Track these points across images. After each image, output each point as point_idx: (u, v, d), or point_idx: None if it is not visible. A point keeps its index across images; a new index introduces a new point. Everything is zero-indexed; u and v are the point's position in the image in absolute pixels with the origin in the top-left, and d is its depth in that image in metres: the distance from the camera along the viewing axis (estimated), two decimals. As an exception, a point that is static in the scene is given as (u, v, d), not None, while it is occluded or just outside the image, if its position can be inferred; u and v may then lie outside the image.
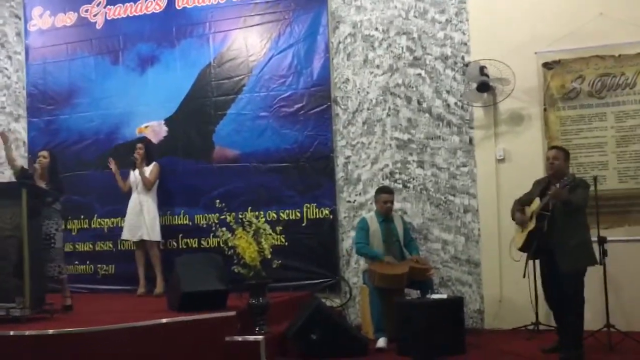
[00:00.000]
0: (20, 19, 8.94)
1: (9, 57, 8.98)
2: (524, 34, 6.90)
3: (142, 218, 7.51)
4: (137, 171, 7.68)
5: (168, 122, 8.21)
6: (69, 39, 8.69)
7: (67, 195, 7.21)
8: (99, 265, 8.37)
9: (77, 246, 8.37)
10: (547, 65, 6.81)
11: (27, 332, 5.59)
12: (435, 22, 7.25)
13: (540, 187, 5.55)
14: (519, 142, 6.91)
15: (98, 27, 8.56)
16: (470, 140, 7.09)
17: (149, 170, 7.70)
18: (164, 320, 5.75)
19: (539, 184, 5.62)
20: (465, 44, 7.13)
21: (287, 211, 7.62)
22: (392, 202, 6.72)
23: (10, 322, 5.88)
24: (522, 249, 5.68)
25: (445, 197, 7.14)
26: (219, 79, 8.00)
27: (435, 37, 7.25)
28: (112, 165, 7.86)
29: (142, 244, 7.64)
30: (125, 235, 7.72)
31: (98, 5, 8.54)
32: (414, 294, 6.49)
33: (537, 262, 5.96)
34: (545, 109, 6.83)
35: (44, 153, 6.93)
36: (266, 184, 7.72)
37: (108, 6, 8.51)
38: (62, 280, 6.72)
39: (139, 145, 7.80)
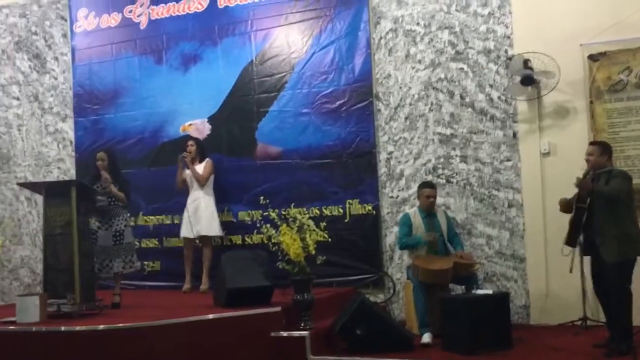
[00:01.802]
0: (66, 20, 9.10)
1: (56, 59, 9.16)
2: (568, 25, 6.80)
3: (198, 215, 7.58)
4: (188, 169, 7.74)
5: (211, 120, 8.29)
6: (113, 39, 8.83)
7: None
8: (145, 262, 8.47)
9: (124, 243, 8.48)
10: (592, 57, 6.70)
11: (77, 328, 5.71)
12: (478, 16, 7.19)
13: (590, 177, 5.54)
14: (564, 135, 6.82)
15: (142, 27, 8.68)
16: (514, 134, 7.01)
17: (202, 166, 7.75)
18: (211, 316, 5.83)
19: (588, 177, 5.60)
20: (509, 37, 7.05)
21: (330, 207, 7.64)
22: (434, 197, 6.69)
23: (61, 318, 6.03)
24: (567, 243, 5.63)
25: (489, 192, 7.08)
26: (261, 76, 8.05)
27: (477, 30, 7.18)
28: (182, 163, 7.75)
29: (191, 240, 7.71)
30: (183, 233, 7.74)
31: (142, 5, 8.66)
32: (458, 289, 6.46)
33: (585, 257, 5.92)
34: (591, 102, 6.72)
35: (102, 155, 6.98)
36: (309, 181, 7.75)
37: (151, 6, 8.62)
38: (118, 276, 6.84)
39: (190, 142, 7.87)
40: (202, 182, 7.68)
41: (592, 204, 5.37)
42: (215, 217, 7.72)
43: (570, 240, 5.60)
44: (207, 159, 7.84)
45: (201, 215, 7.61)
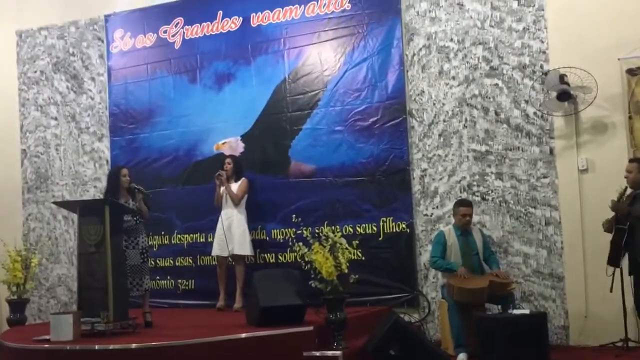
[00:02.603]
0: (102, 41, 9.24)
1: (93, 79, 9.29)
2: (605, 39, 6.69)
3: (231, 233, 7.58)
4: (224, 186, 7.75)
5: (244, 138, 8.31)
6: (148, 59, 8.93)
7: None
8: (179, 281, 8.52)
9: (158, 262, 8.52)
10: (631, 72, 6.58)
11: (111, 347, 5.71)
12: (512, 31, 7.11)
13: (628, 200, 5.42)
14: (603, 151, 6.68)
15: (176, 47, 8.77)
16: (551, 151, 6.89)
17: (237, 185, 7.76)
18: (243, 335, 5.80)
19: (627, 197, 5.49)
20: (544, 52, 6.95)
21: (364, 225, 7.57)
22: (470, 216, 6.61)
23: (94, 336, 6.05)
24: (610, 263, 5.52)
25: (525, 210, 6.96)
26: (294, 94, 8.05)
27: (512, 46, 7.10)
28: (219, 180, 7.72)
29: (225, 259, 7.70)
30: (215, 251, 7.75)
31: (176, 25, 8.75)
32: (494, 309, 6.34)
33: (625, 276, 5.79)
34: (630, 117, 6.58)
35: (126, 172, 7.02)
36: (342, 198, 7.70)
37: (186, 26, 8.70)
38: (146, 294, 6.88)
39: (228, 160, 7.89)
40: (236, 201, 7.69)
41: (633, 225, 5.25)
42: (247, 236, 7.71)
43: (612, 260, 5.50)
44: (243, 178, 7.84)
45: (234, 234, 7.61)
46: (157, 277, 8.47)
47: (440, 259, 6.49)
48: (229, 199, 7.71)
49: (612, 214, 5.65)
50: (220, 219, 7.69)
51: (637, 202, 5.32)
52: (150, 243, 8.12)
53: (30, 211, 9.55)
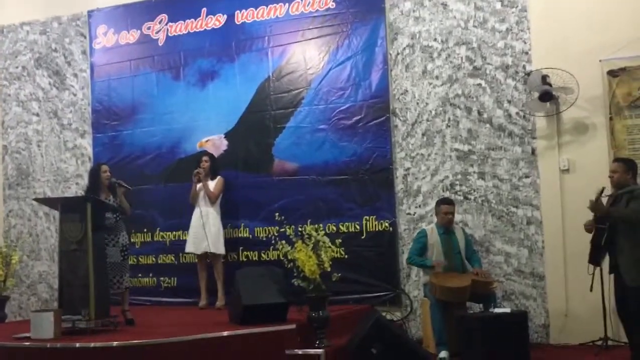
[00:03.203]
0: (85, 37, 9.18)
1: (75, 75, 9.23)
2: (587, 41, 6.74)
3: (206, 231, 7.57)
4: (201, 184, 7.75)
5: (228, 136, 8.30)
6: (132, 56, 8.88)
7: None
8: (161, 278, 8.49)
9: (140, 259, 8.50)
10: (612, 73, 6.63)
11: (92, 344, 5.68)
12: (496, 32, 7.14)
13: (610, 200, 5.47)
14: (584, 152, 6.74)
15: (160, 43, 8.73)
16: (533, 151, 6.94)
17: (214, 183, 7.75)
18: (225, 333, 5.79)
19: (609, 197, 5.53)
20: (527, 52, 6.99)
21: (347, 224, 7.59)
22: (453, 214, 6.64)
23: (75, 334, 6.02)
24: (590, 262, 5.58)
25: (507, 209, 7.00)
26: (278, 92, 8.05)
27: (495, 46, 7.14)
28: (197, 177, 7.70)
29: (204, 256, 7.69)
30: (189, 248, 7.76)
31: (160, 22, 8.71)
32: (476, 307, 6.38)
33: (605, 276, 5.84)
34: (611, 118, 6.64)
35: (107, 168, 6.98)
36: (325, 197, 7.71)
37: (170, 23, 8.66)
38: (126, 292, 6.84)
39: (205, 157, 7.87)
40: (212, 200, 7.68)
41: (613, 225, 5.30)
42: (221, 235, 7.71)
43: (593, 259, 5.55)
44: (219, 176, 7.83)
45: (209, 231, 7.59)
46: (139, 275, 8.43)
47: (416, 256, 6.53)
48: (206, 197, 7.70)
49: (593, 215, 5.70)
50: (199, 215, 7.64)
51: (618, 203, 5.37)
52: (132, 240, 8.15)
53: (11, 207, 9.47)
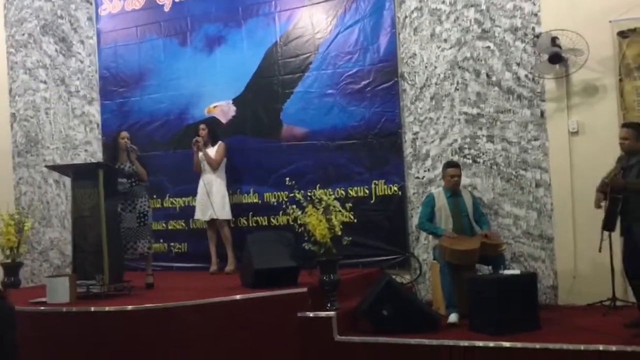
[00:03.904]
0: (91, 4, 9.15)
1: (82, 42, 9.21)
2: (597, 2, 6.67)
3: (212, 198, 7.61)
4: (201, 152, 7.76)
5: (236, 101, 8.30)
6: (138, 22, 8.86)
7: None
8: (172, 244, 8.57)
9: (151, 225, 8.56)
10: (622, 34, 6.56)
11: (106, 308, 5.80)
12: (504, -7, 7.09)
13: (621, 165, 5.47)
14: (593, 114, 6.71)
15: (166, 9, 8.70)
16: (542, 114, 6.92)
17: (214, 150, 7.77)
18: (238, 297, 5.89)
19: (619, 161, 5.53)
20: (536, 14, 6.93)
21: (356, 188, 7.62)
22: (459, 177, 6.65)
23: (90, 299, 6.11)
24: (605, 228, 5.61)
25: (516, 172, 7.01)
26: (286, 57, 8.02)
27: (504, 8, 7.08)
28: (196, 146, 7.77)
29: (213, 222, 7.76)
30: (197, 215, 7.85)
31: (166, -13, 8.68)
32: (485, 269, 6.43)
33: (614, 237, 5.88)
34: (620, 80, 6.59)
35: (125, 134, 7.08)
36: (334, 162, 7.73)
37: (176, -12, 8.62)
38: (148, 257, 6.92)
39: (202, 125, 7.90)
40: (214, 166, 7.72)
41: (627, 193, 5.33)
42: (227, 201, 7.76)
43: (608, 226, 5.57)
44: (220, 142, 7.85)
45: (214, 199, 7.64)
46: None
47: (426, 221, 6.55)
48: (207, 165, 7.73)
49: (599, 184, 5.70)
50: (201, 183, 7.72)
51: (629, 173, 5.37)
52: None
53: (21, 175, 9.54)
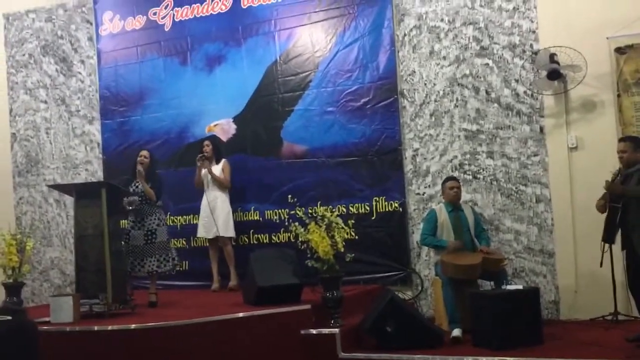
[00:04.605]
0: (91, 24, 9.20)
1: (82, 62, 9.26)
2: (594, 19, 6.77)
3: (215, 215, 7.63)
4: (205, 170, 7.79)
5: (236, 120, 8.34)
6: (138, 41, 8.91)
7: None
8: (173, 262, 8.55)
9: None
10: (619, 50, 6.66)
11: (110, 327, 5.77)
12: (502, 11, 7.17)
13: (620, 173, 5.54)
14: (592, 129, 6.78)
15: (166, 29, 8.76)
16: (541, 129, 6.98)
17: (220, 168, 7.79)
18: (241, 315, 5.87)
19: (619, 176, 5.59)
20: (534, 31, 7.02)
21: (357, 205, 7.65)
22: (458, 188, 6.69)
23: (93, 318, 6.10)
24: (604, 240, 5.65)
25: (516, 187, 7.06)
26: (286, 75, 8.08)
27: (502, 25, 7.16)
28: (200, 161, 7.75)
29: (215, 240, 7.76)
30: (200, 233, 7.83)
31: (166, 7, 8.73)
32: (486, 285, 6.45)
33: (614, 251, 5.91)
34: (618, 95, 6.68)
35: (145, 153, 7.11)
36: (335, 179, 7.77)
37: (176, 8, 8.68)
38: (153, 275, 6.91)
39: (206, 142, 7.91)
40: (226, 185, 7.75)
41: (626, 203, 5.37)
42: (230, 218, 7.76)
43: (607, 238, 5.61)
44: (224, 159, 7.87)
45: (218, 216, 7.65)
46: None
47: (429, 236, 6.58)
48: (211, 182, 7.74)
49: (602, 194, 5.75)
50: (204, 201, 7.73)
51: (629, 181, 5.43)
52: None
53: (21, 195, 9.54)
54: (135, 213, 6.77)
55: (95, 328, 5.79)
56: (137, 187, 6.89)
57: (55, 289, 9.14)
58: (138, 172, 6.89)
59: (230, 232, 7.73)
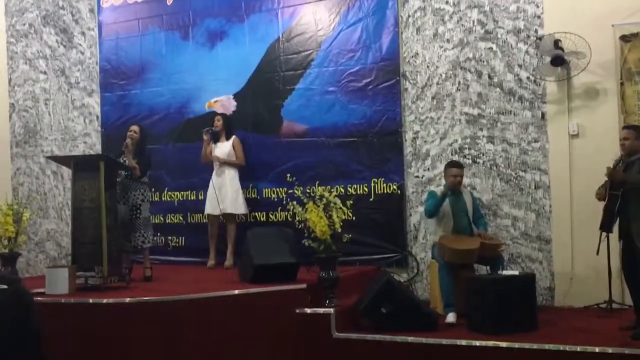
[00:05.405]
0: (93, -5, 9.14)
1: (83, 34, 9.19)
2: (600, 6, 6.70)
3: (224, 192, 7.60)
4: (219, 144, 7.76)
5: (237, 97, 8.30)
6: (140, 15, 8.85)
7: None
8: (169, 237, 8.57)
9: (148, 218, 8.56)
10: (624, 38, 6.60)
11: (104, 300, 5.79)
12: (508, -5, 7.12)
13: (622, 167, 5.52)
14: (594, 117, 6.74)
15: (168, 3, 8.69)
16: (543, 116, 6.95)
17: (229, 144, 7.75)
18: (236, 292, 5.88)
19: (620, 164, 5.56)
20: (539, 16, 6.96)
21: (355, 186, 7.63)
22: (461, 177, 6.64)
23: (88, 290, 6.11)
24: (602, 229, 5.63)
25: (515, 173, 7.04)
26: (288, 53, 8.03)
27: (507, 10, 7.10)
28: (206, 136, 7.76)
29: (216, 217, 7.73)
30: (207, 209, 7.74)
31: (169, -20, 8.67)
32: (483, 270, 6.45)
33: (611, 240, 5.90)
34: (622, 83, 6.62)
35: (135, 128, 7.14)
36: (334, 159, 7.74)
37: (178, -19, 8.61)
38: (144, 250, 6.93)
39: (217, 117, 7.89)
40: (242, 163, 7.75)
41: (626, 191, 5.35)
42: (240, 195, 7.72)
43: (605, 226, 5.60)
44: (234, 136, 7.83)
45: (227, 193, 7.62)
46: (148, 234, 8.49)
47: (432, 203, 6.46)
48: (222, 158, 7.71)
49: (603, 182, 5.73)
50: (214, 177, 7.70)
51: (630, 170, 5.40)
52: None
53: (18, 165, 9.52)
54: (120, 187, 6.75)
55: (90, 301, 5.81)
56: (124, 161, 6.85)
57: (51, 261, 9.16)
58: (125, 146, 6.87)
59: (240, 209, 7.69)
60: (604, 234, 5.87)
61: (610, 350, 4.86)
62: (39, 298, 5.90)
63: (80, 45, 9.20)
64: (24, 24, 9.52)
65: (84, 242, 6.30)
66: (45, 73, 9.38)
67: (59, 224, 9.19)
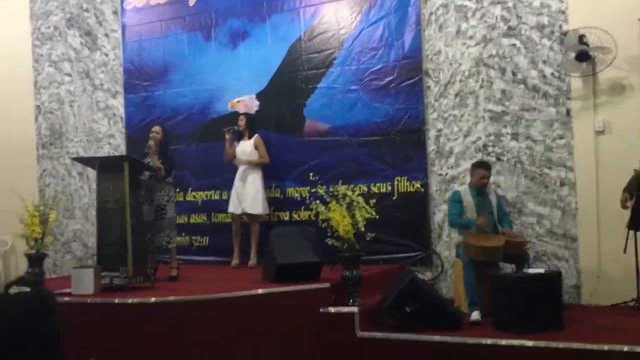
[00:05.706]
0: (116, -3, 9.21)
1: (107, 35, 9.27)
2: (625, 0, 6.61)
3: (245, 192, 7.62)
4: (241, 143, 7.77)
5: (259, 96, 8.32)
6: (163, 16, 8.90)
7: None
8: (193, 237, 8.60)
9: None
10: (651, 33, 6.53)
11: (130, 300, 5.82)
12: (532, -10, 7.04)
13: None
14: (620, 113, 6.65)
15: (191, 4, 8.73)
16: (568, 112, 6.87)
17: (251, 144, 7.74)
18: (260, 291, 5.89)
19: None
20: (563, 12, 6.88)
21: (378, 184, 7.61)
22: (488, 178, 6.57)
23: (113, 290, 6.15)
24: (630, 227, 5.56)
25: (540, 170, 6.97)
26: (310, 52, 8.02)
27: (531, 5, 7.03)
28: (228, 135, 7.80)
29: (239, 216, 7.75)
30: (230, 208, 7.75)
31: (191, -19, 8.70)
32: (508, 268, 6.39)
33: (639, 237, 5.83)
34: (649, 79, 6.55)
35: (157, 128, 7.19)
36: (357, 158, 7.72)
37: (200, -18, 8.65)
38: (170, 250, 6.97)
39: (241, 116, 7.90)
40: (266, 161, 7.75)
41: None
42: (261, 195, 7.70)
43: (633, 225, 5.53)
44: (257, 135, 7.84)
45: (247, 193, 7.64)
46: (172, 234, 8.54)
47: (457, 216, 6.48)
48: (243, 157, 7.72)
49: (628, 182, 5.66)
50: (238, 176, 7.72)
51: None
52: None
53: (44, 167, 9.62)
54: (145, 188, 6.79)
55: (116, 301, 5.85)
56: (148, 162, 6.90)
57: (77, 261, 9.23)
58: (148, 147, 6.91)
59: (258, 209, 7.65)
60: (631, 232, 5.80)
61: (638, 349, 4.77)
62: (65, 298, 5.98)
63: (104, 47, 9.27)
64: (49, 27, 9.61)
65: (109, 242, 6.34)
66: (70, 75, 9.47)
67: (85, 224, 9.27)
